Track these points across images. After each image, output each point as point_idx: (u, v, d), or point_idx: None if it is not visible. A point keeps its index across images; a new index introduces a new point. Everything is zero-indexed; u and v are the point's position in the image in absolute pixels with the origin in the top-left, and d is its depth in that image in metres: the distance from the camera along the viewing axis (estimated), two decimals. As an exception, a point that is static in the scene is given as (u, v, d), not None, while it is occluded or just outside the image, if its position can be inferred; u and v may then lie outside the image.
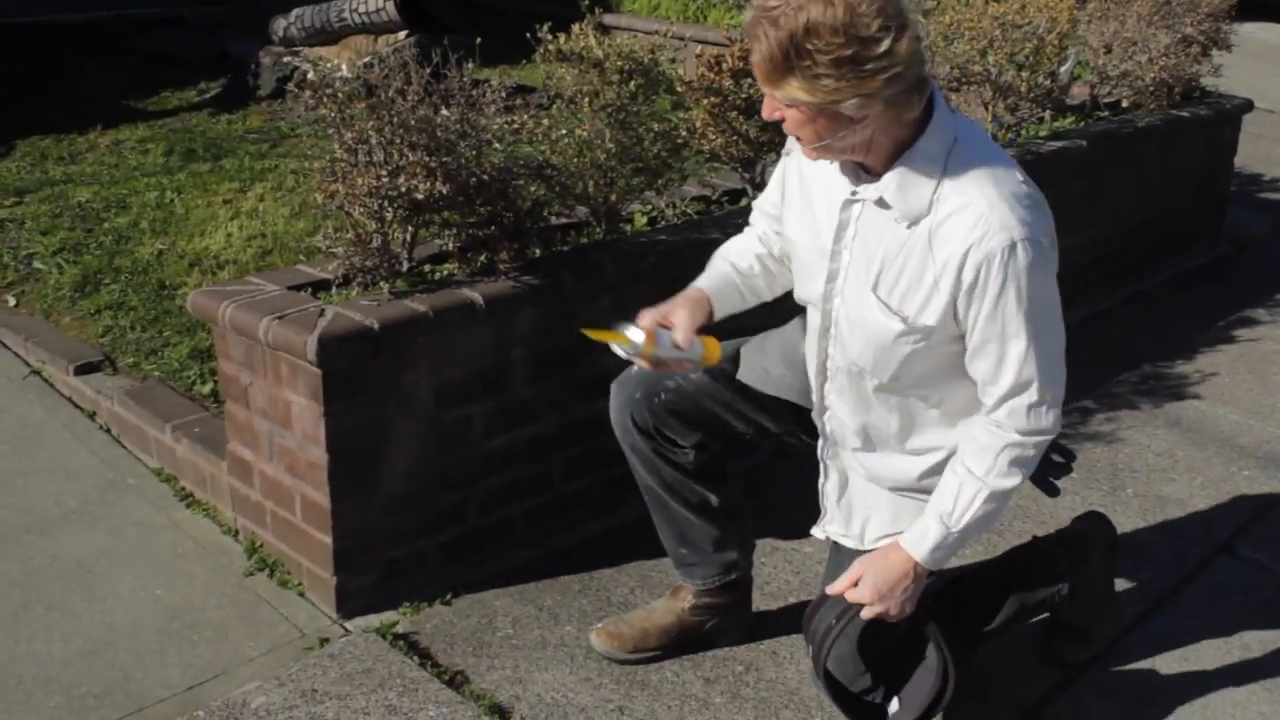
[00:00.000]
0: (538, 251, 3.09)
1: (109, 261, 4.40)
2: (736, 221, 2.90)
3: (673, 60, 3.33)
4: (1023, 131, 4.53)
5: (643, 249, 3.19)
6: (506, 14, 7.24)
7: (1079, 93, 5.08)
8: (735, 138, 3.44)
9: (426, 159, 2.73)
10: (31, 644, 2.76)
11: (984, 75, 4.22)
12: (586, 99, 3.12)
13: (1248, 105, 5.58)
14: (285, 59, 6.81)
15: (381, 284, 2.85)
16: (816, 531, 2.52)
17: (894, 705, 2.44)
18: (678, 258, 3.05)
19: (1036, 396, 2.14)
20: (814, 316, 2.35)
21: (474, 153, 2.84)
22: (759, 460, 3.48)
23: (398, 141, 2.74)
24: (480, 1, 8.01)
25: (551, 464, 3.16)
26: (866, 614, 2.27)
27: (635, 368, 2.60)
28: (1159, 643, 2.88)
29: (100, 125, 6.11)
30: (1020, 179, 2.11)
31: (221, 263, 4.32)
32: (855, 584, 2.27)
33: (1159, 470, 3.66)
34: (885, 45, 1.94)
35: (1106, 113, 5.02)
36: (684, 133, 3.32)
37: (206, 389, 3.59)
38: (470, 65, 2.90)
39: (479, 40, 3.25)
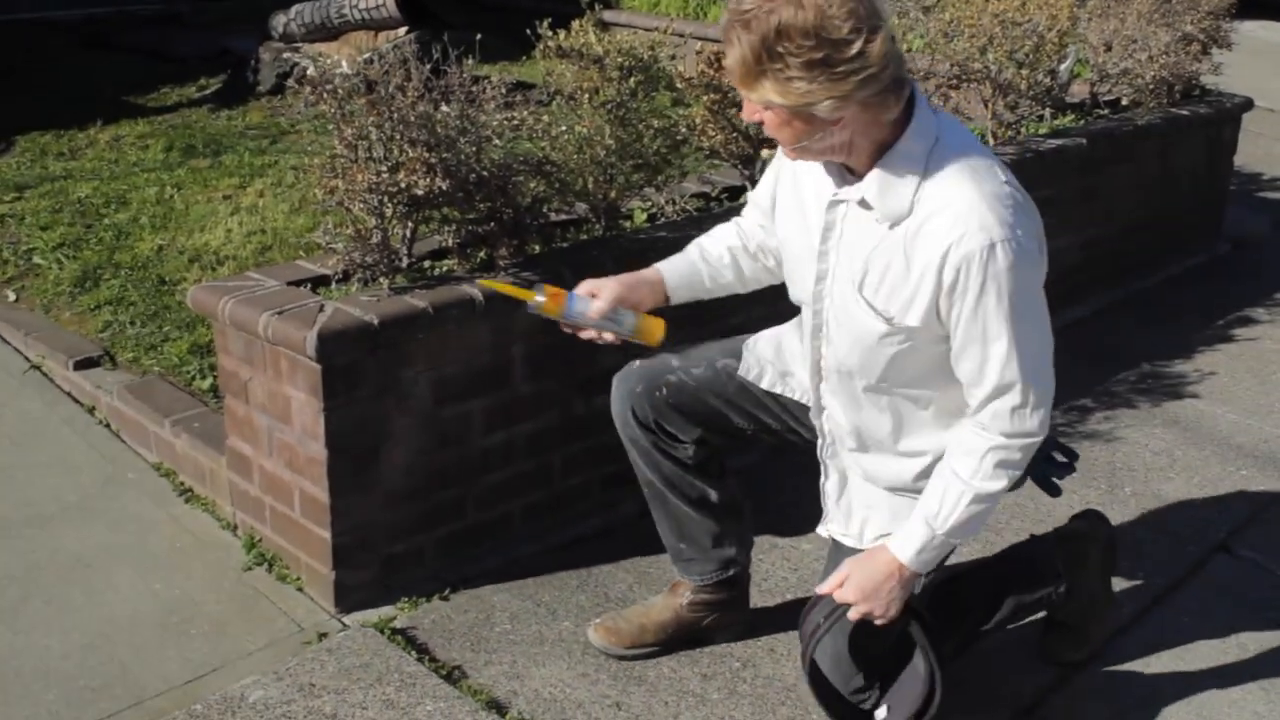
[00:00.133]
0: (537, 248, 3.09)
1: (109, 257, 4.41)
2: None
3: (672, 57, 3.34)
4: (1022, 129, 4.53)
5: (642, 245, 3.19)
6: (506, 10, 7.24)
7: (1079, 91, 5.08)
8: (735, 134, 3.44)
9: (426, 155, 2.73)
10: (30, 637, 2.76)
11: (984, 73, 4.23)
12: (586, 95, 3.12)
13: (1248, 104, 5.58)
14: (285, 55, 6.81)
15: (381, 280, 2.86)
16: (820, 530, 2.53)
17: (882, 711, 2.44)
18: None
19: (1020, 399, 2.14)
20: (806, 316, 2.36)
21: (474, 149, 2.84)
22: (758, 457, 3.49)
23: (398, 137, 2.74)
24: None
25: (550, 460, 3.16)
26: (852, 614, 2.28)
27: (638, 362, 2.61)
28: (1155, 641, 2.88)
29: (100, 121, 6.10)
30: (1003, 179, 2.11)
31: (221, 258, 4.33)
32: (843, 584, 2.28)
33: (1157, 469, 3.67)
34: (857, 47, 1.95)
35: (1106, 111, 5.03)
36: (684, 129, 3.32)
37: (206, 384, 3.59)
38: (470, 61, 2.91)
39: (479, 37, 3.25)
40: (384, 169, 2.74)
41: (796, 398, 2.52)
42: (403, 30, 6.74)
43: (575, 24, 3.17)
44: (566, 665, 2.72)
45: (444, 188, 2.75)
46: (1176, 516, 3.41)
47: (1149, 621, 2.96)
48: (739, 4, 1.99)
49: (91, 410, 3.68)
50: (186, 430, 3.31)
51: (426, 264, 2.99)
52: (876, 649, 2.43)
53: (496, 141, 2.91)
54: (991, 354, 2.11)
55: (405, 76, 2.79)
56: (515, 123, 2.92)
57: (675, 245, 3.18)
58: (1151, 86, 4.97)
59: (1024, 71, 4.25)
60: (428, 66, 2.84)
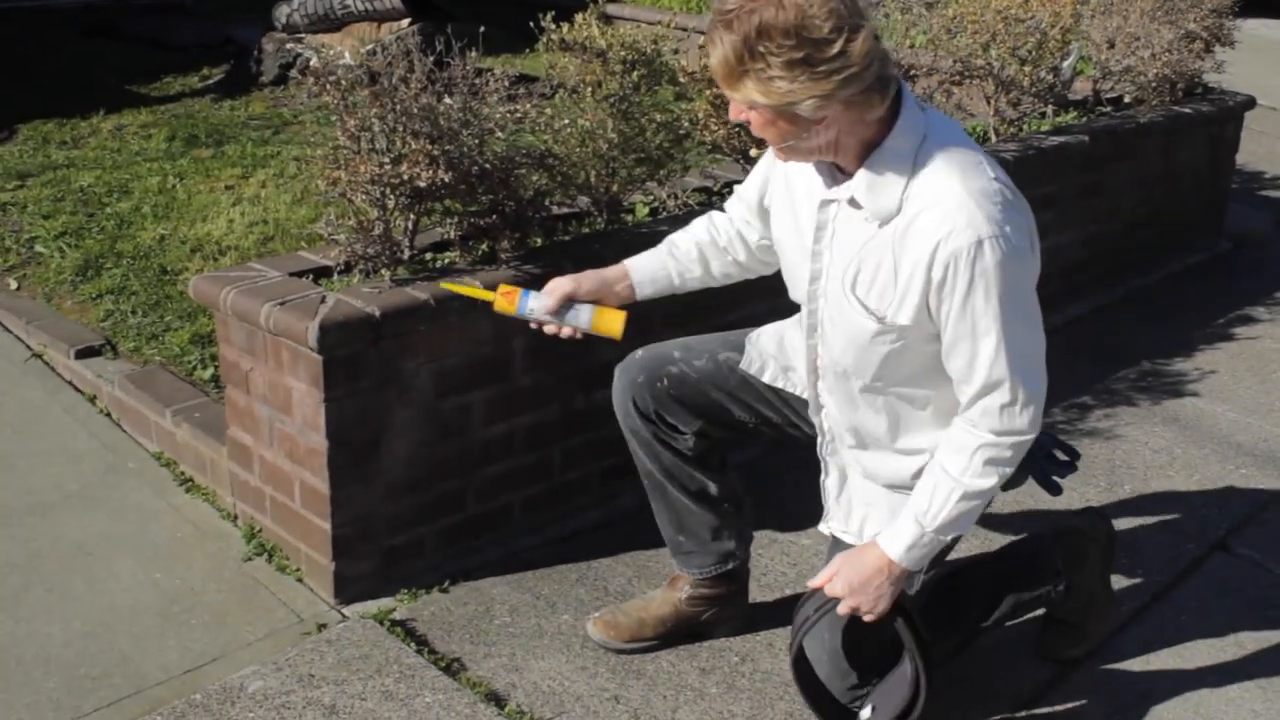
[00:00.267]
0: (539, 241, 3.10)
1: (111, 246, 4.41)
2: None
3: (675, 51, 3.34)
4: (1025, 126, 4.53)
5: (644, 239, 3.18)
6: (510, 3, 7.23)
7: (1081, 88, 5.08)
8: (737, 129, 3.44)
9: (429, 147, 2.73)
10: (31, 625, 2.77)
11: (986, 69, 4.23)
12: (589, 89, 3.12)
13: (1250, 102, 5.58)
14: (288, 46, 6.81)
15: (383, 271, 2.86)
16: (821, 527, 2.53)
17: (866, 711, 2.44)
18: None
19: (1009, 396, 2.13)
20: (803, 316, 2.37)
21: (476, 141, 2.84)
22: (758, 452, 3.49)
23: (400, 129, 2.74)
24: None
25: (551, 453, 3.16)
26: (841, 609, 2.28)
27: (640, 352, 2.62)
28: (1153, 639, 2.88)
29: (103, 110, 6.10)
30: (991, 175, 2.10)
31: (223, 249, 4.33)
32: (833, 578, 2.29)
33: (1156, 467, 3.67)
34: (838, 47, 1.96)
35: (1109, 108, 5.02)
36: (686, 124, 3.32)
37: (207, 374, 3.59)
38: (473, 54, 2.91)
39: (482, 29, 3.25)
40: (387, 161, 2.74)
41: (798, 393, 2.52)
42: (406, 22, 6.74)
43: (578, 17, 3.17)
44: (565, 658, 2.73)
45: (446, 180, 2.75)
46: (1176, 514, 3.42)
47: (1147, 619, 2.96)
48: (721, 4, 2.01)
49: (93, 399, 3.68)
50: (187, 420, 3.31)
51: (428, 256, 2.99)
52: (871, 648, 2.43)
53: (499, 134, 2.91)
54: (980, 351, 2.11)
55: (408, 68, 2.79)
56: (518, 115, 2.92)
57: (677, 239, 3.19)
58: (1154, 84, 4.97)
59: (1027, 68, 4.25)
60: (431, 59, 2.84)
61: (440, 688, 2.60)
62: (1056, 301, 4.63)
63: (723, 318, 3.20)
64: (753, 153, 3.47)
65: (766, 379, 2.56)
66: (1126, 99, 5.12)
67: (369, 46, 6.28)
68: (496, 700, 2.59)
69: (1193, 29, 5.01)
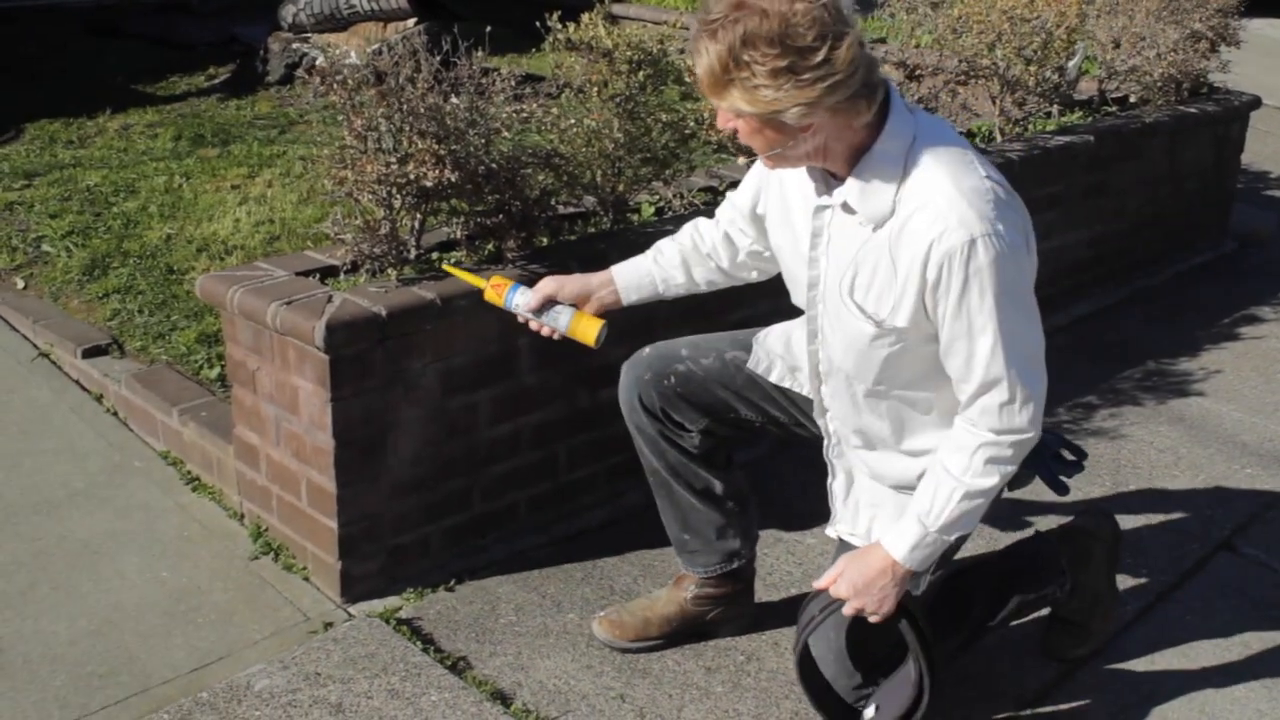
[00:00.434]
0: (545, 240, 3.10)
1: (117, 245, 4.42)
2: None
3: (681, 51, 3.33)
4: (1030, 126, 4.53)
5: (649, 239, 3.18)
6: (516, 3, 7.24)
7: (1086, 88, 5.08)
8: (743, 129, 3.44)
9: (435, 146, 2.74)
10: (38, 623, 2.78)
11: (992, 69, 4.23)
12: (595, 89, 3.12)
13: (1256, 102, 5.57)
14: (294, 45, 6.82)
15: (389, 271, 2.86)
16: (829, 531, 2.53)
17: (870, 711, 2.44)
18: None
19: (1007, 394, 2.13)
20: (804, 322, 2.38)
21: (483, 141, 2.85)
22: (764, 451, 3.50)
23: (407, 129, 2.75)
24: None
25: (556, 451, 3.17)
26: (846, 610, 2.28)
27: (647, 349, 2.64)
28: (1158, 639, 2.89)
29: (109, 110, 6.11)
30: (983, 174, 2.11)
31: (229, 248, 4.34)
32: (838, 579, 2.29)
33: (1161, 467, 3.67)
34: (822, 54, 1.97)
35: (1114, 108, 5.02)
36: (692, 123, 3.32)
37: (214, 373, 3.60)
38: (479, 54, 2.91)
39: (488, 29, 3.25)
40: (393, 160, 2.74)
41: (805, 393, 2.53)
42: (412, 22, 6.75)
43: (585, 17, 3.17)
44: (571, 657, 2.73)
45: (453, 179, 2.76)
46: (1180, 514, 3.42)
47: (1152, 619, 2.97)
48: (706, 14, 2.02)
49: (99, 398, 3.69)
50: (194, 419, 3.32)
51: (435, 255, 2.99)
52: (876, 648, 2.44)
53: (505, 134, 2.91)
54: (977, 349, 2.11)
55: (415, 68, 2.79)
56: (524, 115, 2.93)
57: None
58: (1159, 84, 4.97)
59: (1032, 68, 4.25)
60: (437, 58, 2.84)
61: (446, 686, 2.60)
62: (1061, 301, 4.63)
63: (727, 317, 3.21)
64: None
65: (773, 379, 2.56)
66: (1132, 99, 5.12)
67: (375, 46, 6.28)
68: (502, 699, 2.59)
69: (1198, 29, 5.01)
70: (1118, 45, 4.99)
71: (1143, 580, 3.09)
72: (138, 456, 3.44)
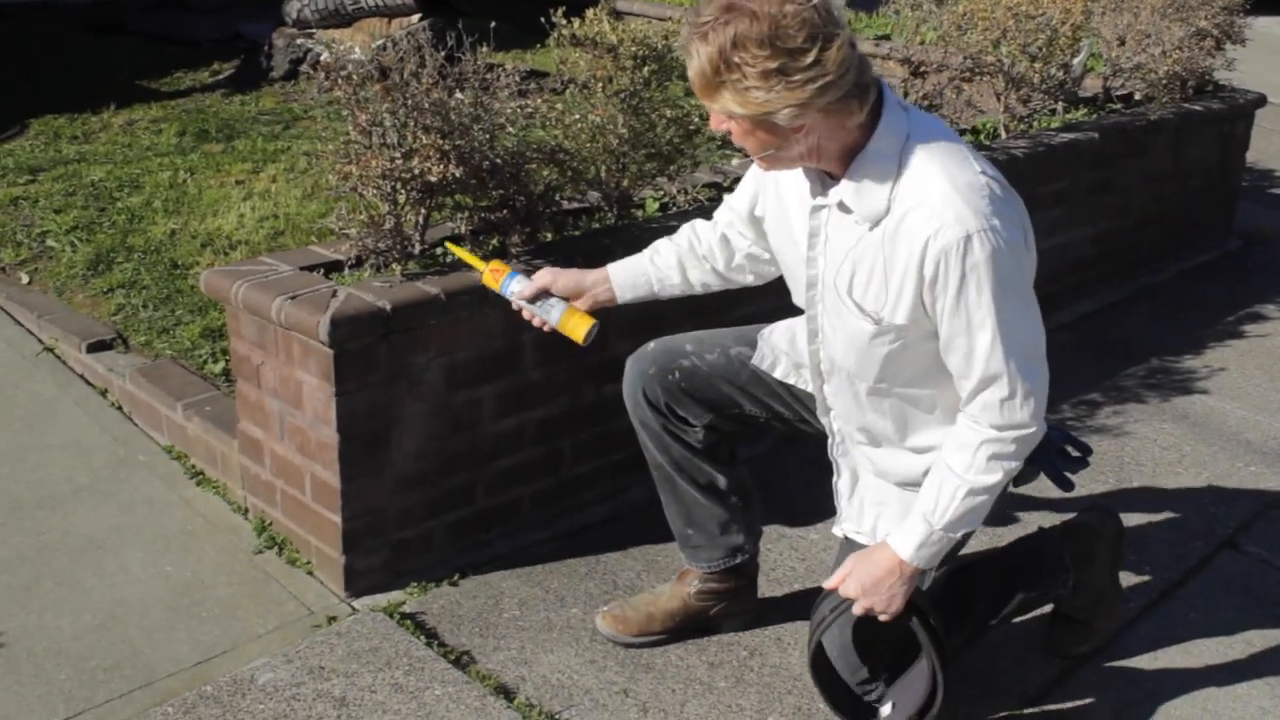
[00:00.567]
0: (549, 235, 3.10)
1: (122, 240, 4.42)
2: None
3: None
4: (1035, 123, 4.53)
5: (654, 235, 3.17)
6: (520, -2, 7.25)
7: (1091, 85, 5.07)
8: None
9: (440, 142, 2.74)
10: (42, 617, 2.78)
11: (997, 66, 4.22)
12: (600, 84, 3.13)
13: (1260, 100, 5.57)
14: (299, 41, 6.82)
15: (394, 265, 2.87)
16: (835, 530, 2.53)
17: (887, 709, 2.45)
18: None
19: (1007, 390, 2.13)
20: (805, 321, 2.38)
21: (487, 136, 2.85)
22: (768, 447, 3.50)
23: (411, 124, 2.75)
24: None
25: (560, 446, 3.17)
26: (856, 609, 2.29)
27: (652, 344, 2.64)
28: (1161, 637, 2.88)
29: (114, 105, 6.12)
30: (978, 170, 2.11)
31: (234, 243, 4.34)
32: (846, 579, 2.29)
33: (1165, 464, 3.67)
34: (812, 56, 1.97)
35: (1119, 105, 5.02)
36: (697, 119, 3.32)
37: (218, 368, 3.60)
38: (484, 49, 2.91)
39: (493, 24, 3.26)
40: (398, 155, 2.74)
41: (809, 389, 2.53)
42: (416, 17, 6.75)
43: (589, 13, 3.17)
44: (574, 652, 2.74)
45: (457, 174, 2.76)
46: (1184, 512, 3.42)
47: (1155, 616, 2.96)
48: (696, 17, 2.03)
49: (104, 393, 3.70)
50: (198, 414, 3.33)
51: (439, 251, 2.99)
52: (883, 644, 2.44)
53: (510, 129, 2.92)
54: (976, 345, 2.11)
55: (419, 63, 2.79)
56: (529, 110, 2.93)
57: (687, 235, 3.20)
58: (1164, 81, 4.97)
59: (1037, 65, 4.25)
60: (442, 54, 2.85)
61: (450, 680, 2.61)
62: (1066, 298, 4.63)
63: (733, 313, 3.21)
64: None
65: (778, 375, 2.57)
66: (1137, 96, 5.12)
67: (379, 42, 6.30)
68: (506, 693, 2.60)
69: (1203, 26, 5.01)
70: (1123, 42, 4.98)
71: (1146, 577, 3.09)
72: (142, 451, 3.45)
